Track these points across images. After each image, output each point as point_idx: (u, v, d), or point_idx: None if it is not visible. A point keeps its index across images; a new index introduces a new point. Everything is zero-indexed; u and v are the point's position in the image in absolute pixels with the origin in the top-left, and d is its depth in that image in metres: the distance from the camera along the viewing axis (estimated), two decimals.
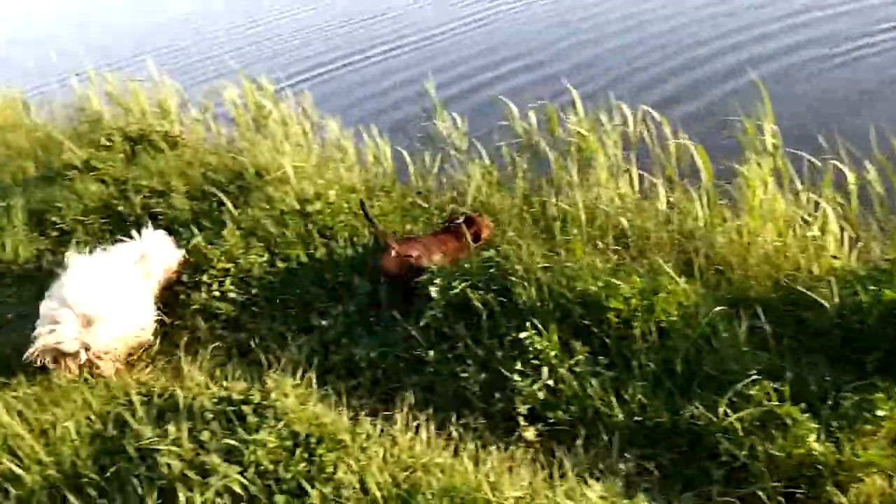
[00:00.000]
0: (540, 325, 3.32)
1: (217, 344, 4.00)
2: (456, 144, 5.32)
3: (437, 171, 5.42)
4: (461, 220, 4.34)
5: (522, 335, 3.28)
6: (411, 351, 3.55)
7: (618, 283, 3.38)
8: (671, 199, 4.24)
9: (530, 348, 3.24)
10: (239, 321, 4.21)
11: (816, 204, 3.84)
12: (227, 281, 4.35)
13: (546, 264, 3.72)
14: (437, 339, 3.53)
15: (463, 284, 3.58)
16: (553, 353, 3.20)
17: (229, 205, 5.05)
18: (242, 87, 6.74)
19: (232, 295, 4.30)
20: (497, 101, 5.39)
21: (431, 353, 3.46)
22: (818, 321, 3.18)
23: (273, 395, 3.13)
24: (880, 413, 2.58)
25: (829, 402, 2.72)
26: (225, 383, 3.47)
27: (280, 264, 4.44)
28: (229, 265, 4.42)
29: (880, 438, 2.57)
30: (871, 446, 2.49)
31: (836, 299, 3.12)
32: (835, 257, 3.53)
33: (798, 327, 3.26)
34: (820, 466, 2.52)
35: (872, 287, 3.06)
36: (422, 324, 3.58)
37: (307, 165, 5.50)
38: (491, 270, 3.74)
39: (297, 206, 4.89)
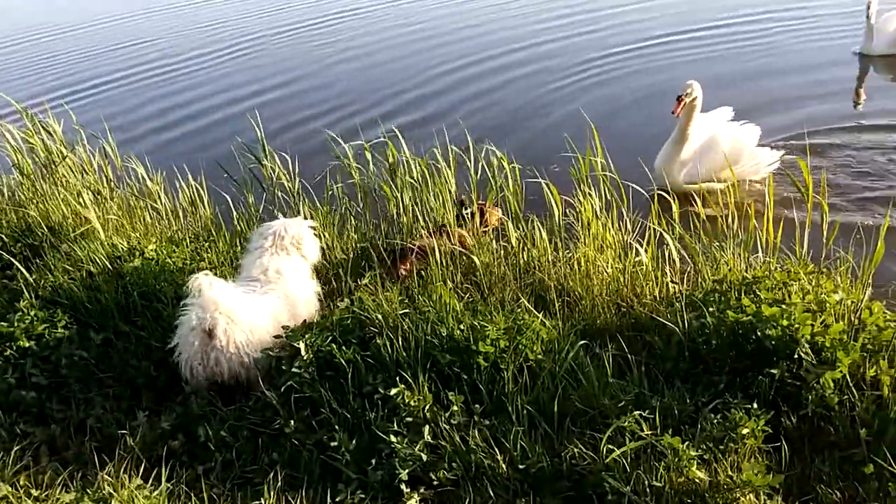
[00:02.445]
0: (409, 378, 3.18)
1: (21, 444, 3.35)
2: (285, 186, 5.05)
3: (261, 214, 5.13)
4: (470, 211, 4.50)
5: (393, 392, 3.11)
6: (270, 423, 3.23)
7: (483, 324, 3.33)
8: (517, 235, 4.30)
9: (402, 405, 3.08)
10: (46, 411, 3.59)
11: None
12: (28, 363, 3.70)
13: (405, 311, 3.59)
14: (298, 405, 3.25)
15: (328, 340, 3.35)
16: (427, 408, 3.06)
17: (22, 269, 4.35)
18: (25, 128, 5.91)
19: (35, 380, 3.66)
20: (326, 139, 5.22)
21: (293, 422, 3.17)
22: (668, 345, 3.35)
23: None
24: (743, 432, 2.74)
25: (696, 426, 2.84)
26: (35, 493, 2.92)
27: (94, 336, 3.89)
28: (29, 343, 3.75)
29: (747, 456, 2.73)
30: (744, 466, 2.63)
31: (685, 323, 3.29)
32: (673, 282, 3.77)
33: (649, 352, 3.42)
34: (701, 493, 2.61)
35: (713, 309, 3.28)
36: (281, 389, 3.28)
37: (116, 217, 4.93)
38: (347, 322, 3.55)
39: (110, 266, 4.34)
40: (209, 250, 4.62)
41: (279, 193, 5.12)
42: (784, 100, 7.49)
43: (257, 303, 3.57)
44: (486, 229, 4.61)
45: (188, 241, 4.88)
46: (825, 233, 3.59)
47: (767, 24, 10.49)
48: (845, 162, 5.99)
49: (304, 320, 3.66)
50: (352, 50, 12.05)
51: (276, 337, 3.52)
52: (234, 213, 5.14)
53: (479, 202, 4.73)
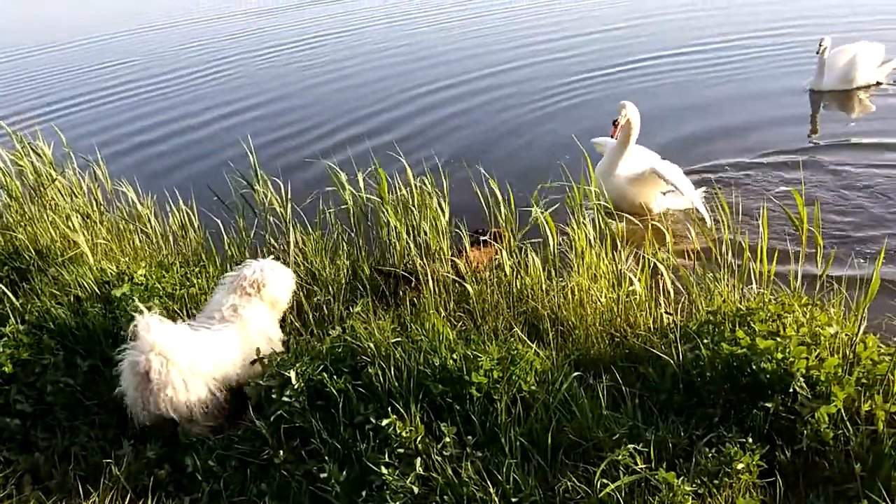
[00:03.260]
0: (401, 408, 3.14)
1: (4, 472, 3.28)
2: (277, 211, 5.02)
3: (252, 239, 5.10)
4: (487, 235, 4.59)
5: (384, 422, 3.07)
6: (259, 453, 3.18)
7: (476, 354, 3.30)
8: (510, 263, 4.28)
9: (394, 436, 3.03)
10: (31, 439, 3.52)
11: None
12: (13, 389, 3.63)
13: (398, 339, 3.56)
14: (288, 435, 3.20)
15: (320, 369, 3.31)
16: (419, 440, 3.02)
17: (8, 293, 4.30)
18: (14, 150, 5.88)
19: (20, 406, 3.58)
20: (317, 162, 5.23)
21: (282, 452, 3.12)
22: (662, 377, 3.33)
23: None
24: (738, 466, 2.71)
25: (691, 460, 2.81)
26: None
27: (81, 363, 3.82)
28: (14, 369, 3.68)
29: (742, 491, 2.70)
30: (738, 502, 2.60)
31: (679, 355, 3.27)
32: (668, 313, 3.75)
33: (643, 384, 3.39)
34: None
35: (707, 341, 3.26)
36: (271, 418, 3.23)
37: (105, 241, 4.88)
38: (339, 351, 3.51)
39: (98, 291, 4.29)
40: (199, 275, 4.58)
41: (271, 219, 5.09)
42: (733, 129, 7.66)
43: (205, 341, 3.47)
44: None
45: (178, 265, 4.84)
46: (819, 265, 3.59)
47: (726, 52, 10.69)
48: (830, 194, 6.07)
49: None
50: (336, 72, 12.18)
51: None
52: (225, 238, 5.11)
53: (495, 229, 4.72)
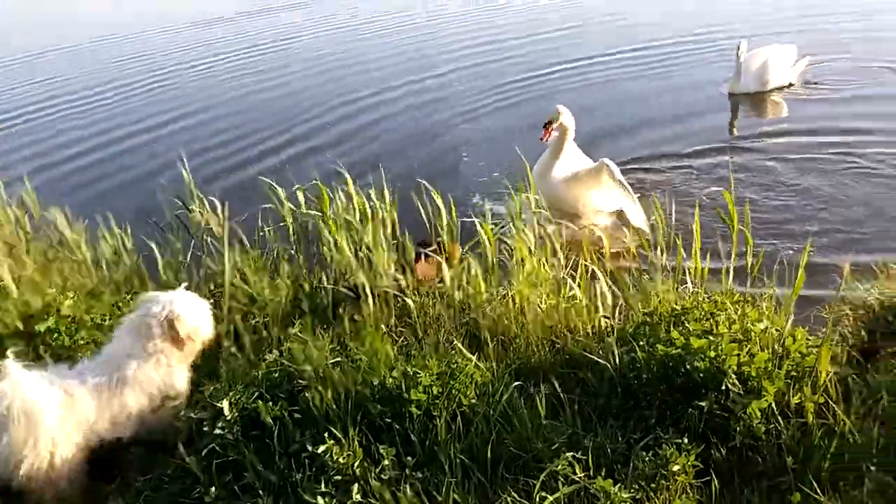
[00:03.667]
0: (339, 432, 3.08)
1: None
2: (214, 231, 4.91)
3: (188, 261, 4.98)
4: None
5: (321, 449, 2.99)
6: (190, 492, 3.06)
7: (416, 370, 3.26)
8: (451, 274, 4.26)
9: (331, 463, 2.96)
10: None
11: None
12: None
13: (336, 360, 3.49)
14: (221, 470, 3.09)
15: (254, 396, 3.22)
16: (357, 464, 2.96)
17: None
18: None
19: None
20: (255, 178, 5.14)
21: (213, 489, 3.00)
22: (600, 381, 3.34)
23: None
24: (674, 469, 2.72)
25: (629, 465, 2.81)
26: None
27: None
28: None
29: (679, 493, 2.71)
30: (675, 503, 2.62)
31: (616, 358, 3.29)
32: (605, 316, 3.77)
33: (583, 389, 3.40)
34: None
35: (643, 343, 3.28)
36: (203, 453, 3.13)
37: (29, 272, 4.70)
38: (275, 376, 3.43)
39: (21, 326, 4.12)
40: (131, 303, 4.43)
41: (208, 239, 4.98)
42: (657, 127, 7.92)
43: (74, 394, 3.20)
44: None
45: (109, 293, 4.69)
46: (749, 262, 3.66)
47: (651, 56, 10.93)
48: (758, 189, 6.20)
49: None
50: (272, 82, 12.02)
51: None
52: (160, 261, 4.97)
53: (437, 239, 4.68)
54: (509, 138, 7.80)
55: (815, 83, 8.88)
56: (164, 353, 3.44)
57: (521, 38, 12.89)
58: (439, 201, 4.46)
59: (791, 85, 8.87)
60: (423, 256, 4.53)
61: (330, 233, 4.48)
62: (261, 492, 2.95)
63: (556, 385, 3.29)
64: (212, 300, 4.54)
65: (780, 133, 7.57)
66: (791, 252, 4.87)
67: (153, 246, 5.00)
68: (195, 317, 3.50)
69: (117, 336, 3.48)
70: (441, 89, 10.40)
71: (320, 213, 4.54)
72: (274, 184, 4.70)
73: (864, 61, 9.47)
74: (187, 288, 3.63)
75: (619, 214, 5.85)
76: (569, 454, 2.80)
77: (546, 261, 4.23)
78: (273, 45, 15.09)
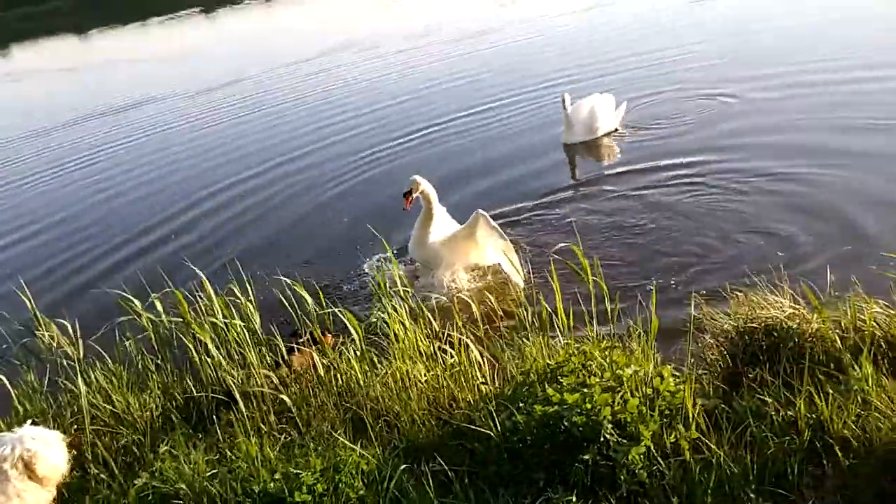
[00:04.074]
0: None
1: None
2: (69, 352, 4.59)
3: (45, 389, 4.61)
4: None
5: None
6: None
7: (297, 471, 3.14)
8: (325, 362, 4.17)
9: None
10: None
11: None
12: None
13: (213, 471, 3.31)
14: None
15: None
16: None
17: None
18: None
19: None
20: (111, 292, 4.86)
21: None
22: (487, 450, 3.33)
23: None
24: None
25: None
26: None
27: None
28: None
29: None
30: None
31: (498, 425, 3.30)
32: (483, 382, 3.80)
33: (471, 460, 3.38)
34: None
35: (522, 404, 3.32)
36: None
37: None
38: (148, 500, 3.20)
39: None
40: None
41: (64, 362, 4.64)
42: (503, 182, 8.30)
43: None
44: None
45: None
46: (608, 309, 3.82)
47: (494, 113, 11.54)
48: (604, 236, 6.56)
49: None
50: (111, 187, 11.38)
51: None
52: (13, 392, 4.57)
53: (308, 330, 4.57)
54: (369, 212, 7.89)
55: (637, 126, 9.54)
56: (24, 493, 3.18)
57: (366, 113, 13.19)
58: (304, 293, 4.38)
59: (616, 130, 9.50)
60: (295, 349, 4.42)
61: (195, 337, 4.29)
62: None
63: (444, 462, 3.25)
64: (74, 426, 4.22)
65: (618, 174, 8.04)
66: (648, 290, 5.12)
67: (3, 378, 4.61)
68: (50, 455, 3.27)
69: None
70: (290, 176, 10.30)
71: (181, 320, 4.35)
72: (128, 294, 4.46)
73: (674, 97, 10.36)
74: (35, 422, 3.35)
75: (491, 269, 6.01)
76: None
77: (421, 332, 4.23)
78: (113, 146, 14.54)
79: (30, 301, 4.51)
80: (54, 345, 4.51)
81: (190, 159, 12.32)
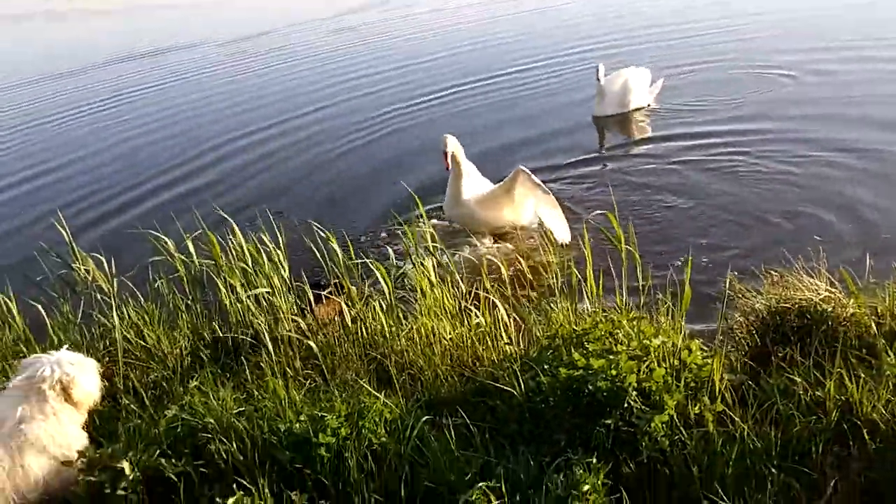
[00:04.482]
0: (248, 483, 2.97)
1: None
2: (104, 287, 4.68)
3: (80, 320, 4.72)
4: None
5: (229, 502, 2.88)
6: None
7: (322, 414, 3.19)
8: (353, 313, 4.21)
9: None
10: None
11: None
12: None
13: (241, 408, 3.38)
14: None
15: (156, 454, 3.08)
16: None
17: None
18: None
19: None
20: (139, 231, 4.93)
21: None
22: (509, 409, 3.36)
23: None
24: (585, 488, 2.76)
25: (542, 488, 2.83)
26: None
27: None
28: None
29: None
30: None
31: (522, 385, 3.32)
32: (508, 343, 3.82)
33: (492, 418, 3.41)
34: None
35: (547, 367, 3.34)
36: None
37: None
38: (178, 431, 3.29)
39: None
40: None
41: (98, 296, 4.74)
42: (534, 144, 8.25)
43: None
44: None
45: None
46: (640, 280, 3.80)
47: (527, 76, 11.39)
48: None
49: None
50: (141, 129, 11.61)
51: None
52: (49, 322, 4.69)
53: (333, 280, 4.62)
54: (398, 167, 7.89)
55: (675, 101, 9.34)
56: (60, 413, 3.32)
57: (397, 68, 13.11)
58: (334, 243, 4.41)
59: (649, 105, 9.33)
60: (322, 297, 4.48)
61: (225, 281, 4.35)
62: None
63: (466, 416, 3.29)
64: (107, 358, 4.33)
65: (653, 146, 7.95)
66: (679, 263, 5.07)
67: (40, 308, 4.73)
68: (87, 380, 3.40)
69: (5, 403, 3.30)
70: (320, 124, 10.40)
71: (213, 262, 4.40)
72: (161, 234, 4.53)
73: (721, 71, 10.12)
74: (70, 347, 3.46)
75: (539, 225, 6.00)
76: (482, 484, 2.80)
77: (448, 291, 4.25)
78: (141, 90, 14.66)
79: (67, 234, 4.59)
80: (89, 279, 4.60)
81: (224, 104, 12.42)
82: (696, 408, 3.07)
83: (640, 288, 3.84)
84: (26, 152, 11.25)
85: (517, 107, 9.91)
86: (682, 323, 3.40)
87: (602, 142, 8.63)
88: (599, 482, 2.77)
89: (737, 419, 2.98)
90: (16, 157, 11.12)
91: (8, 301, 4.88)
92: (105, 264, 4.60)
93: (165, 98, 13.63)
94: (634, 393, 3.04)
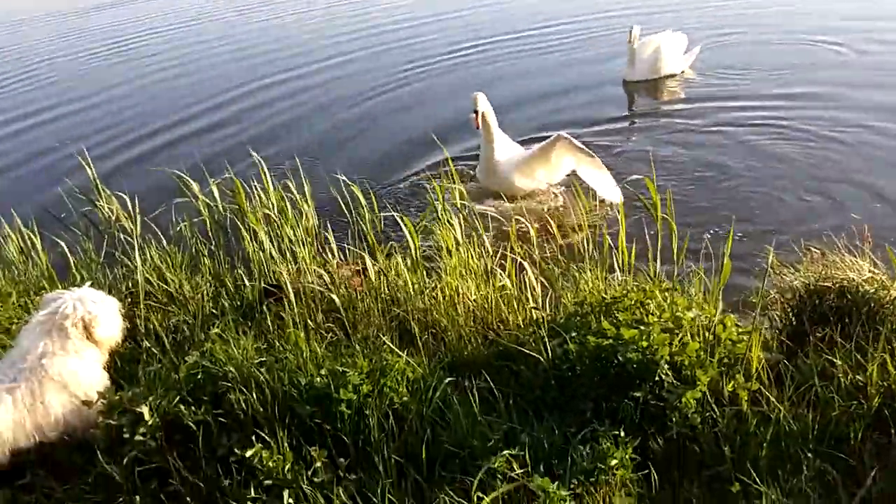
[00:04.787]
0: (267, 435, 2.93)
1: None
2: (127, 227, 4.64)
3: (102, 260, 4.69)
4: None
5: (248, 453, 2.85)
6: (113, 501, 2.87)
7: (344, 369, 3.14)
8: (376, 268, 4.14)
9: (260, 467, 2.82)
10: None
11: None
12: None
13: (262, 358, 3.34)
14: (145, 477, 2.92)
15: (176, 400, 3.05)
16: (287, 468, 2.82)
17: None
18: None
19: None
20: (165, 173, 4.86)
21: (138, 498, 2.84)
22: (535, 374, 3.29)
23: None
24: (612, 462, 2.70)
25: (567, 459, 2.77)
26: None
27: None
28: None
29: (618, 487, 2.69)
30: (615, 501, 2.59)
31: (549, 351, 3.24)
32: (535, 308, 3.73)
33: (516, 383, 3.34)
34: None
35: (575, 334, 3.25)
36: (125, 461, 2.94)
37: None
38: (197, 378, 3.25)
39: None
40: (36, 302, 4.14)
41: (121, 236, 4.70)
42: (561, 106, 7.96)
43: None
44: None
45: (17, 296, 4.39)
46: (675, 250, 3.68)
47: (555, 36, 11.05)
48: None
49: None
50: (167, 70, 11.46)
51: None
52: (72, 260, 4.67)
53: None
54: (423, 121, 7.74)
55: (713, 68, 8.96)
56: (82, 351, 3.28)
57: (424, 23, 12.82)
58: (360, 195, 4.31)
59: (683, 73, 8.99)
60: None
61: (249, 228, 4.28)
62: (188, 499, 2.79)
63: (490, 379, 3.22)
64: (129, 299, 4.30)
65: (688, 112, 7.67)
66: (713, 233, 4.90)
67: (63, 245, 4.70)
68: (109, 319, 3.35)
69: (27, 337, 3.27)
70: (347, 73, 10.20)
71: (238, 207, 4.32)
72: (185, 176, 4.44)
73: (766, 39, 9.73)
74: (93, 285, 3.41)
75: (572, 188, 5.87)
76: (506, 451, 2.74)
77: (474, 251, 4.16)
78: (169, 28, 14.45)
79: (92, 172, 4.52)
80: (113, 218, 4.55)
81: (255, 48, 12.22)
82: (730, 385, 2.97)
83: (675, 257, 3.71)
84: (51, 88, 11.16)
85: (544, 67, 9.64)
86: (717, 299, 3.27)
87: (631, 107, 8.39)
88: (627, 457, 2.71)
89: (772, 399, 2.88)
90: (42, 93, 11.04)
91: (33, 237, 4.87)
92: (129, 203, 4.52)
93: (196, 38, 13.46)
94: (666, 366, 2.95)
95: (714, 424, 2.89)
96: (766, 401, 2.89)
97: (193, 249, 4.65)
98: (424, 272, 4.15)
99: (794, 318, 3.52)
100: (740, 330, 3.21)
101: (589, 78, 9.03)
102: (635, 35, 8.61)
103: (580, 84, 8.81)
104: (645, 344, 3.01)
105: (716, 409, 2.90)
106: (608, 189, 5.49)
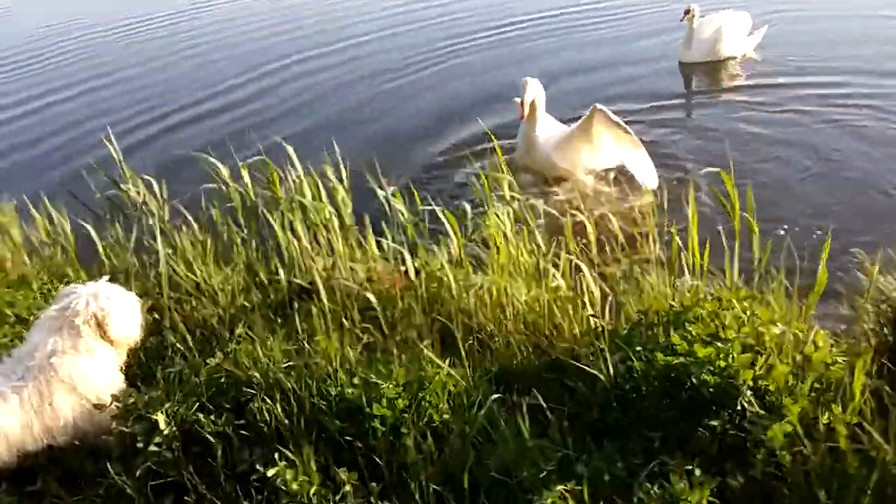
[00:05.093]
0: (292, 452, 2.64)
1: None
2: (154, 212, 4.38)
3: (133, 246, 4.46)
4: None
5: (270, 472, 2.56)
6: None
7: (378, 381, 2.81)
8: (416, 265, 3.80)
9: (283, 488, 2.53)
10: None
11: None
12: None
13: (289, 363, 3.04)
14: (159, 492, 2.66)
15: (195, 407, 2.79)
16: (313, 491, 2.53)
17: None
18: None
19: None
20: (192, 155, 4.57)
21: None
22: (592, 392, 2.92)
23: None
24: None
25: (631, 497, 2.41)
26: None
27: None
28: None
29: None
30: None
31: (609, 367, 2.86)
32: (593, 316, 3.34)
33: (571, 400, 2.98)
34: None
35: (640, 348, 2.87)
36: (138, 473, 2.68)
37: None
38: (220, 382, 2.97)
39: None
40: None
41: (150, 221, 4.46)
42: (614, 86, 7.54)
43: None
44: None
45: (40, 281, 4.20)
46: (756, 253, 3.25)
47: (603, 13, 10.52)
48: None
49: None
50: (194, 48, 11.21)
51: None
52: (100, 244, 4.45)
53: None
54: (464, 104, 7.35)
55: (776, 54, 8.30)
56: (95, 351, 3.04)
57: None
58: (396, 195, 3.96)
59: (745, 56, 8.35)
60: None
61: (282, 216, 3.97)
62: None
63: (540, 396, 2.85)
64: (157, 289, 4.06)
65: (749, 98, 7.11)
66: (789, 230, 4.41)
67: (90, 229, 4.47)
68: (124, 317, 3.08)
69: (37, 333, 3.04)
70: (385, 53, 9.83)
71: (270, 194, 4.02)
72: (214, 159, 4.15)
73: (831, 26, 9.02)
74: (112, 279, 3.15)
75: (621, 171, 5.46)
76: (559, 487, 2.39)
77: (525, 247, 3.78)
78: (196, 8, 14.27)
79: (117, 152, 4.27)
80: (139, 202, 4.30)
81: (286, 26, 11.95)
82: (825, 417, 2.55)
83: (754, 262, 3.29)
84: (79, 64, 11.05)
85: (596, 44, 9.14)
86: (812, 311, 2.84)
87: (689, 89, 7.85)
88: (705, 500, 2.32)
89: (875, 435, 2.46)
90: (70, 69, 10.91)
91: (63, 220, 4.67)
92: (155, 186, 4.26)
93: (225, 16, 13.27)
94: (749, 392, 2.55)
95: (804, 462, 2.48)
96: (869, 437, 2.46)
97: (225, 237, 4.38)
98: (470, 269, 3.79)
99: (891, 337, 3.06)
100: (834, 350, 2.78)
101: (642, 58, 8.49)
102: (696, 11, 8.00)
103: (633, 64, 8.31)
104: (723, 364, 2.61)
105: (807, 445, 2.49)
106: (644, 171, 5.10)
